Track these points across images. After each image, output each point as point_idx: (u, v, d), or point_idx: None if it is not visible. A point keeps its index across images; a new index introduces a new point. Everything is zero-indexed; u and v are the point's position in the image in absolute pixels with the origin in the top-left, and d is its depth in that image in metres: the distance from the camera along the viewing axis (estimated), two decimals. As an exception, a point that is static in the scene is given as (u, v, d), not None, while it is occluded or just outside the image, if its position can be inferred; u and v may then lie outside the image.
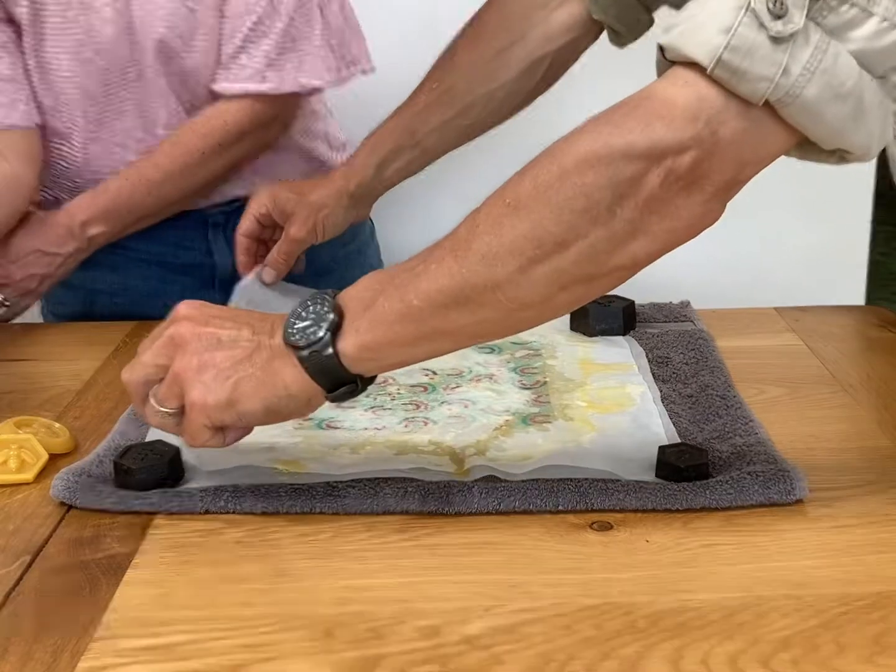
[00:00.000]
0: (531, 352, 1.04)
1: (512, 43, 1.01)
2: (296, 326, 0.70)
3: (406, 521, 0.74)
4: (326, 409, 0.91)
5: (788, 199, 1.93)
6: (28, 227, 1.19)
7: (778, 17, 0.59)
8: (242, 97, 1.20)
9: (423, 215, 1.89)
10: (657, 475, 0.79)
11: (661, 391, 0.93)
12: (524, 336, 1.08)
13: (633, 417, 0.89)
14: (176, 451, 0.79)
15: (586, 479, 0.77)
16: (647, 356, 1.01)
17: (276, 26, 1.17)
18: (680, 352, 1.02)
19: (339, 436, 0.87)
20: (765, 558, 0.70)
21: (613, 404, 0.91)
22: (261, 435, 0.85)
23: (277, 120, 1.25)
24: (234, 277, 1.26)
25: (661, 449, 0.79)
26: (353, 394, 0.72)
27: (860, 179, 1.95)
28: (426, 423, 0.88)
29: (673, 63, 0.64)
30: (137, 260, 1.29)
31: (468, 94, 1.03)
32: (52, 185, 1.27)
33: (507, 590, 0.66)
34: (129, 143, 1.21)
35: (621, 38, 1.01)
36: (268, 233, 1.09)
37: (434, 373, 0.99)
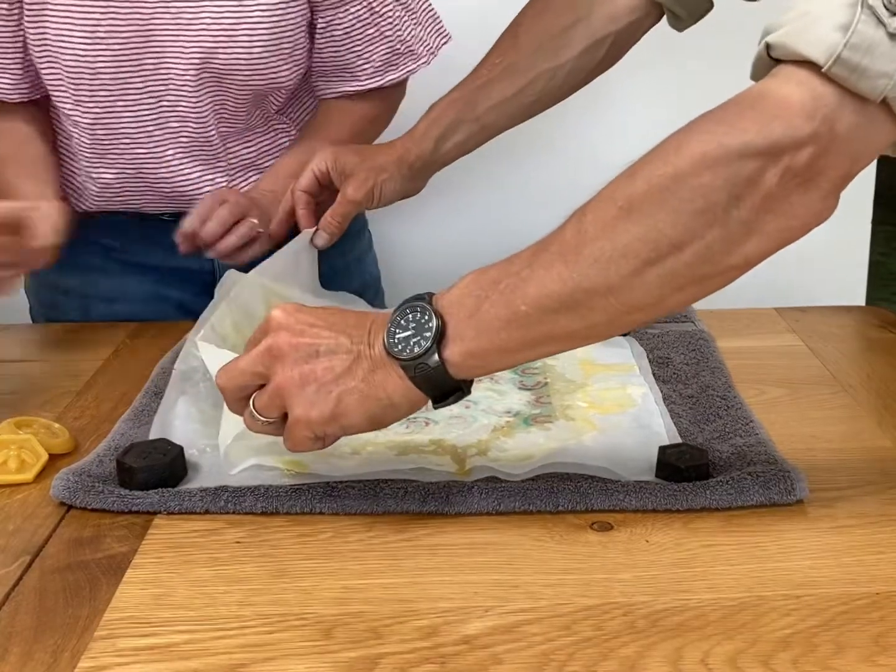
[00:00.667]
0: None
1: (576, 21, 1.03)
2: (397, 336, 0.68)
3: (406, 521, 0.75)
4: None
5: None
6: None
7: (894, 13, 0.59)
8: (371, 92, 1.24)
9: (419, 221, 1.89)
10: (657, 475, 0.79)
11: (661, 391, 0.93)
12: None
13: (634, 418, 0.89)
14: (179, 450, 0.79)
15: (586, 479, 0.77)
16: (647, 357, 1.01)
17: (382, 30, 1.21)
18: (680, 352, 1.02)
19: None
20: (765, 558, 0.70)
21: (614, 405, 0.91)
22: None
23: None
24: None
25: (662, 449, 0.79)
26: (459, 399, 0.71)
27: (860, 179, 1.95)
28: (427, 424, 0.88)
29: (777, 61, 0.63)
30: (134, 265, 1.28)
31: (530, 71, 1.04)
32: (67, 173, 1.25)
33: (507, 590, 0.66)
34: (138, 134, 1.19)
35: (681, 22, 1.03)
36: (325, 194, 1.09)
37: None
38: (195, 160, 1.22)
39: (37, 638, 0.62)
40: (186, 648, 0.61)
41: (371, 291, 1.41)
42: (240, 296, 0.94)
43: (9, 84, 1.16)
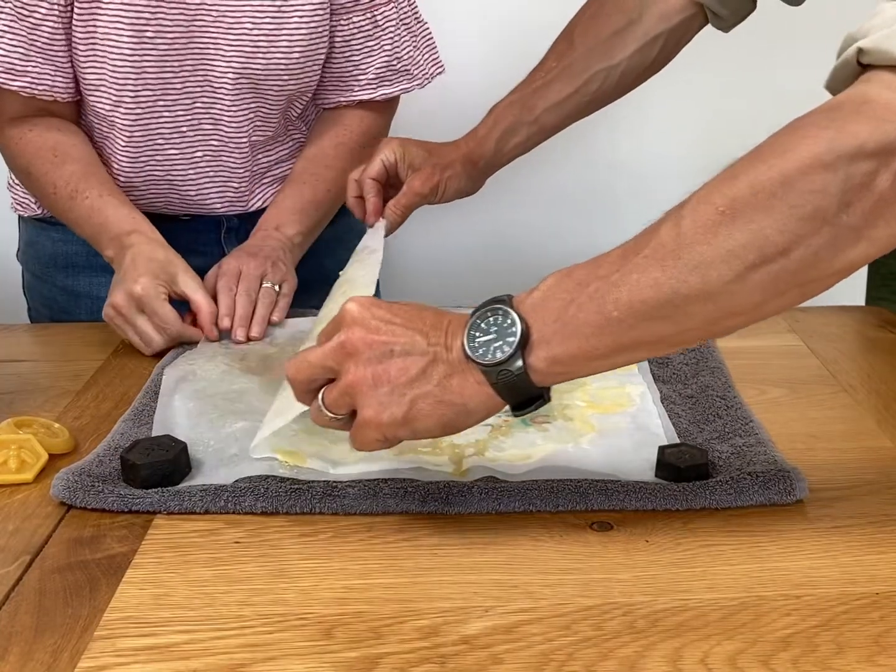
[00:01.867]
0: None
1: (628, 24, 1.05)
2: (478, 340, 0.66)
3: (406, 522, 0.74)
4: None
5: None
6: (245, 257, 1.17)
7: None
8: (376, 102, 1.27)
9: (421, 221, 1.89)
10: (657, 475, 0.79)
11: (661, 391, 0.93)
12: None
13: (633, 418, 0.89)
14: (183, 447, 0.79)
15: (586, 479, 0.77)
16: (647, 356, 1.01)
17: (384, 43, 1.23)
18: (680, 352, 1.02)
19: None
20: (765, 558, 0.70)
21: (613, 404, 0.91)
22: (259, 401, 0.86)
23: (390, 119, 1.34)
24: None
25: (661, 449, 0.79)
26: (540, 407, 0.68)
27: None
28: None
29: (865, 66, 0.63)
30: None
31: (585, 72, 1.07)
32: None
33: (506, 590, 0.66)
34: (172, 135, 1.19)
35: (723, 22, 1.05)
36: (387, 185, 1.10)
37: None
38: (221, 165, 1.23)
39: (37, 638, 0.62)
40: (186, 648, 0.61)
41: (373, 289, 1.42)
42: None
43: (63, 84, 1.15)
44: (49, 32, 1.10)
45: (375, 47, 1.22)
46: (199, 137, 1.20)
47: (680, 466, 0.77)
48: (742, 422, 0.87)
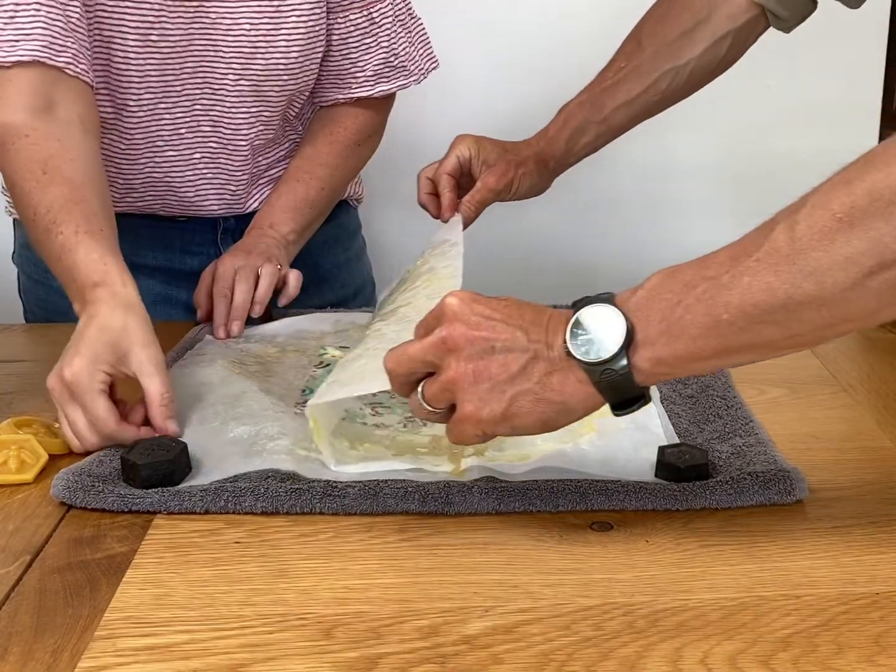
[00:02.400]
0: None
1: (696, 24, 1.07)
2: (580, 338, 0.65)
3: (406, 521, 0.75)
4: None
5: (790, 200, 1.93)
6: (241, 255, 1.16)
7: None
8: (373, 99, 1.27)
9: (416, 219, 1.89)
10: (657, 475, 0.79)
11: (661, 391, 0.93)
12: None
13: (633, 418, 0.88)
14: (183, 447, 0.79)
15: (586, 479, 0.77)
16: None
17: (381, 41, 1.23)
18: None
19: (340, 425, 0.87)
20: (764, 558, 0.70)
21: None
22: (262, 409, 0.86)
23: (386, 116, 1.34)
24: None
25: (661, 449, 0.79)
26: (641, 407, 0.68)
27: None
28: (425, 425, 0.88)
29: None
30: (142, 267, 1.27)
31: (654, 72, 1.09)
32: None
33: (506, 590, 0.66)
34: (172, 137, 1.19)
35: (784, 23, 1.07)
36: (461, 180, 1.11)
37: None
38: (219, 167, 1.23)
39: (37, 638, 0.62)
40: (186, 648, 0.61)
41: (368, 289, 1.42)
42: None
43: (87, 66, 1.06)
44: (78, 12, 1.05)
45: (373, 44, 1.23)
46: (199, 140, 1.20)
47: (680, 466, 0.77)
48: (742, 422, 0.87)
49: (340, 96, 1.26)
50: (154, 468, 0.77)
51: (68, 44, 1.02)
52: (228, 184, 1.25)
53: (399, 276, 1.09)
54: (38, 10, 1.01)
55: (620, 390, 0.66)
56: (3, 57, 0.99)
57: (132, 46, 1.10)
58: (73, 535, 0.74)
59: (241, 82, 1.17)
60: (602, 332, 0.65)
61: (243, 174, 1.25)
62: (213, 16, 1.12)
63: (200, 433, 0.86)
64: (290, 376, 0.99)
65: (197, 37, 1.13)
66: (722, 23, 1.07)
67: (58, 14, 1.01)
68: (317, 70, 1.21)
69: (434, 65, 1.30)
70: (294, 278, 1.16)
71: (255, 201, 1.29)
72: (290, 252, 1.21)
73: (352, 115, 1.27)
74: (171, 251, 1.29)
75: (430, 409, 0.70)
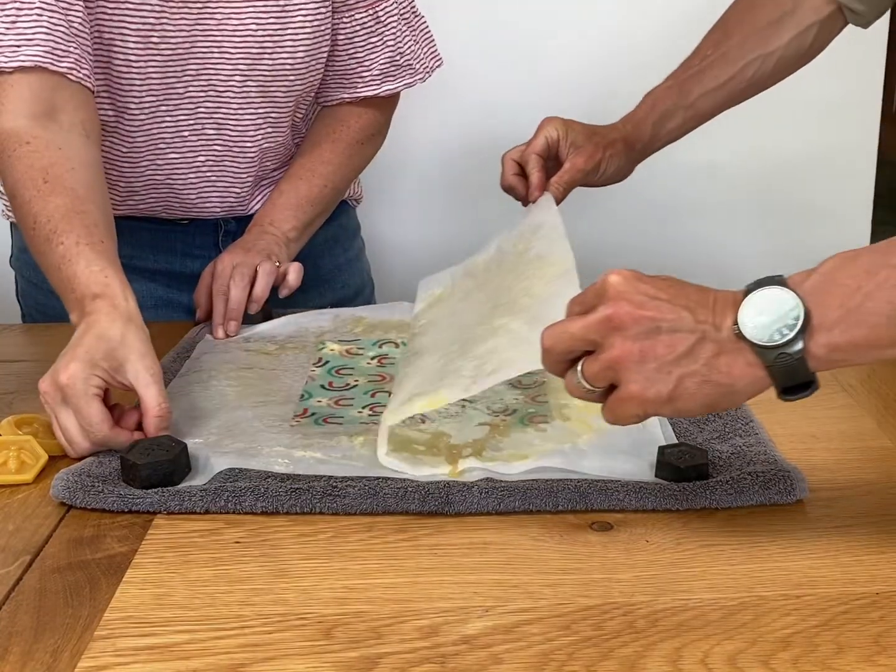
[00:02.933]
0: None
1: (782, 15, 1.10)
2: (753, 321, 0.64)
3: (406, 521, 0.75)
4: (325, 407, 0.92)
5: (790, 200, 1.93)
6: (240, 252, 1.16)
7: None
8: (378, 98, 1.27)
9: (415, 219, 1.90)
10: (657, 475, 0.79)
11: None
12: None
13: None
14: (183, 447, 0.79)
15: (586, 479, 0.77)
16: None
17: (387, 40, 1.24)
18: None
19: (337, 430, 0.87)
20: (764, 558, 0.70)
21: None
22: (258, 432, 0.85)
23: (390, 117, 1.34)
24: None
25: (661, 449, 0.79)
26: (811, 393, 0.66)
27: (860, 180, 1.96)
28: (423, 422, 0.88)
29: None
30: (143, 270, 1.27)
31: (741, 60, 1.11)
32: None
33: (506, 590, 0.66)
34: (174, 140, 1.18)
35: (861, 18, 1.09)
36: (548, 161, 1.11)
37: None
38: (224, 170, 1.23)
39: (37, 638, 0.62)
40: (186, 648, 0.61)
41: (367, 290, 1.43)
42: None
43: (89, 71, 1.05)
44: (81, 16, 1.04)
45: (378, 43, 1.23)
46: (202, 143, 1.20)
47: (680, 466, 0.77)
48: (742, 422, 0.87)
49: (346, 96, 1.26)
50: (154, 468, 0.77)
51: (70, 49, 1.01)
52: (233, 187, 1.25)
53: (470, 262, 1.09)
54: (41, 14, 1.00)
55: (793, 375, 0.64)
56: (5, 63, 0.99)
57: (133, 49, 1.09)
58: (73, 535, 0.74)
59: (248, 83, 1.16)
60: (776, 314, 0.64)
61: (248, 176, 1.25)
62: (218, 17, 1.11)
63: (199, 444, 0.85)
64: (288, 378, 0.99)
65: (200, 39, 1.12)
66: (807, 14, 1.09)
67: (60, 19, 1.01)
68: (322, 70, 1.21)
69: (438, 63, 1.30)
70: (294, 270, 1.15)
71: (258, 203, 1.29)
72: (291, 250, 1.21)
73: (356, 115, 1.27)
74: (173, 254, 1.28)
75: (588, 387, 0.68)
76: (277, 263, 1.15)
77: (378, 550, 0.71)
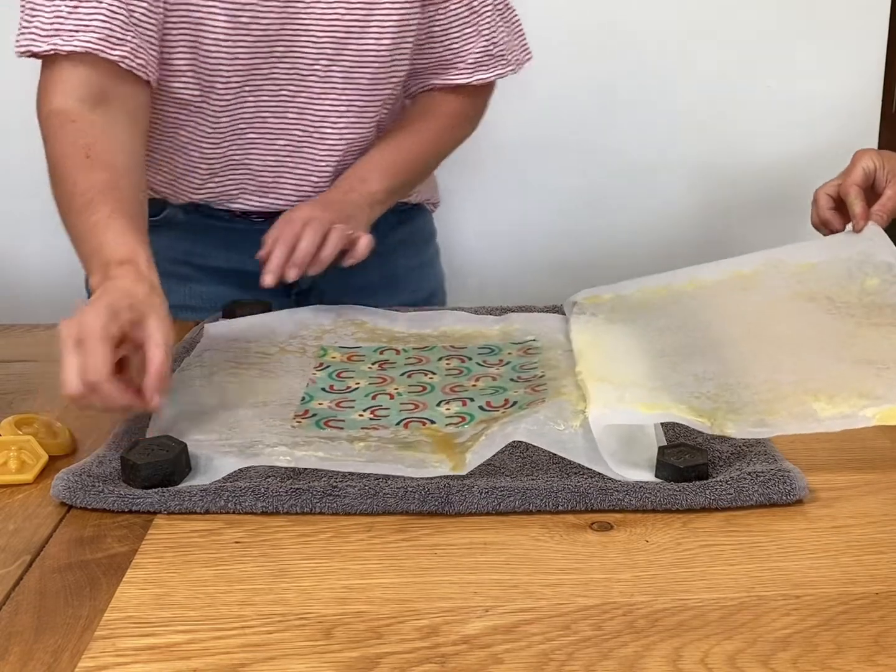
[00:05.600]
0: (531, 349, 1.04)
1: None
2: None
3: (406, 521, 0.75)
4: (326, 409, 0.92)
5: (790, 200, 1.93)
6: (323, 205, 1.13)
7: None
8: (471, 87, 1.26)
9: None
10: (657, 475, 0.79)
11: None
12: (524, 336, 1.08)
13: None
14: (183, 447, 0.79)
15: (586, 478, 0.77)
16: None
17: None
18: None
19: (338, 434, 0.87)
20: (765, 558, 0.70)
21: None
22: (259, 431, 0.85)
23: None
24: (312, 289, 1.26)
25: (661, 449, 0.79)
26: None
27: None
28: (425, 424, 0.88)
29: None
30: (215, 270, 1.27)
31: None
32: (166, 163, 1.21)
33: (506, 590, 0.66)
34: (254, 120, 1.17)
35: None
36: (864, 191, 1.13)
37: (433, 373, 0.99)
38: (302, 157, 1.21)
39: (37, 638, 0.62)
40: (186, 648, 0.61)
41: (438, 297, 1.42)
42: None
43: (153, 65, 1.07)
44: (146, 8, 1.04)
45: (473, 34, 1.22)
46: (283, 126, 1.18)
47: (680, 466, 0.78)
48: (742, 422, 0.87)
49: (438, 82, 1.25)
50: (154, 468, 0.77)
51: (128, 38, 1.03)
52: (310, 175, 1.22)
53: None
54: (101, 2, 1.02)
55: None
56: (61, 45, 1.01)
57: (222, 28, 1.08)
58: (73, 535, 0.74)
59: (333, 68, 1.15)
60: None
61: (327, 166, 1.22)
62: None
63: (199, 443, 0.85)
64: (289, 380, 0.99)
65: (290, 20, 1.11)
66: None
67: (120, 8, 1.03)
68: (407, 60, 1.19)
69: (528, 56, 1.28)
70: (365, 242, 1.11)
71: None
72: (375, 213, 1.18)
73: (448, 100, 1.26)
74: (245, 253, 1.25)
75: None
76: (350, 231, 1.10)
77: (378, 550, 0.71)
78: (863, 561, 0.69)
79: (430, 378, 0.98)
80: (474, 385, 0.96)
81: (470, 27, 1.22)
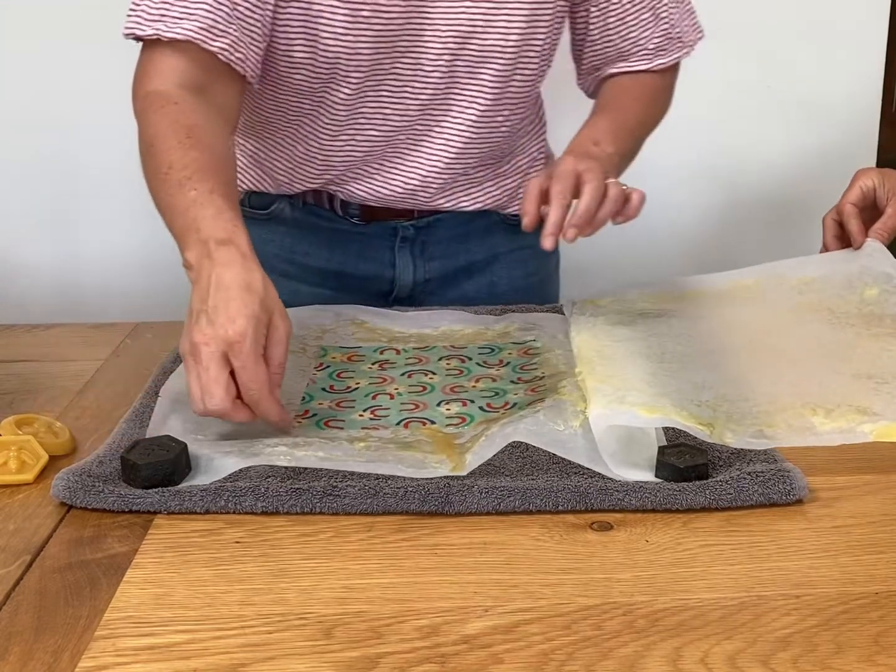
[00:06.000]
0: (531, 349, 1.04)
1: None
2: None
3: (406, 521, 0.75)
4: (326, 409, 0.92)
5: (790, 200, 1.93)
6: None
7: None
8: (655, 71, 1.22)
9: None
10: (657, 475, 0.79)
11: (660, 391, 0.93)
12: (524, 336, 1.08)
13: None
14: (183, 447, 0.80)
15: (586, 478, 0.77)
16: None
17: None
18: (680, 352, 1.02)
19: (339, 434, 0.87)
20: (764, 558, 0.70)
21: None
22: (259, 431, 0.85)
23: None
24: (413, 294, 1.26)
25: (661, 449, 0.79)
26: None
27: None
28: (425, 424, 0.88)
29: None
30: (315, 270, 1.27)
31: None
32: (287, 151, 1.21)
33: (506, 589, 0.66)
34: (375, 115, 1.15)
35: None
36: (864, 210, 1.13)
37: (433, 373, 1.00)
38: (420, 152, 1.19)
39: (37, 638, 0.62)
40: (186, 648, 0.61)
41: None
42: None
43: (253, 60, 1.06)
44: (251, 4, 1.04)
45: (651, 18, 1.19)
46: (405, 122, 1.16)
47: (680, 466, 0.78)
48: (742, 422, 0.87)
49: (614, 70, 1.21)
50: (154, 468, 0.77)
51: (230, 31, 1.03)
52: (421, 167, 1.20)
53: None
54: None
55: None
56: (164, 32, 1.01)
57: (341, 21, 1.07)
58: (73, 535, 0.74)
59: (457, 63, 1.12)
60: None
61: (439, 160, 1.20)
62: None
63: (199, 442, 0.85)
64: (289, 380, 0.99)
65: (415, 14, 1.09)
66: None
67: (225, 0, 1.02)
68: (536, 60, 1.16)
69: (700, 35, 1.24)
70: (638, 197, 0.98)
71: (444, 201, 1.24)
72: (613, 176, 1.07)
73: (641, 79, 1.22)
74: (347, 254, 1.27)
75: None
76: (625, 186, 0.99)
77: (378, 550, 0.71)
78: (863, 561, 0.69)
79: (431, 378, 0.98)
80: (474, 386, 0.96)
81: (647, 12, 1.18)
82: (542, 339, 1.07)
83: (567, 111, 1.26)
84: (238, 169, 1.24)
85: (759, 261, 1.16)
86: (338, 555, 0.71)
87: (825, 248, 1.16)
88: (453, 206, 1.24)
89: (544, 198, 0.96)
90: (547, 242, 0.93)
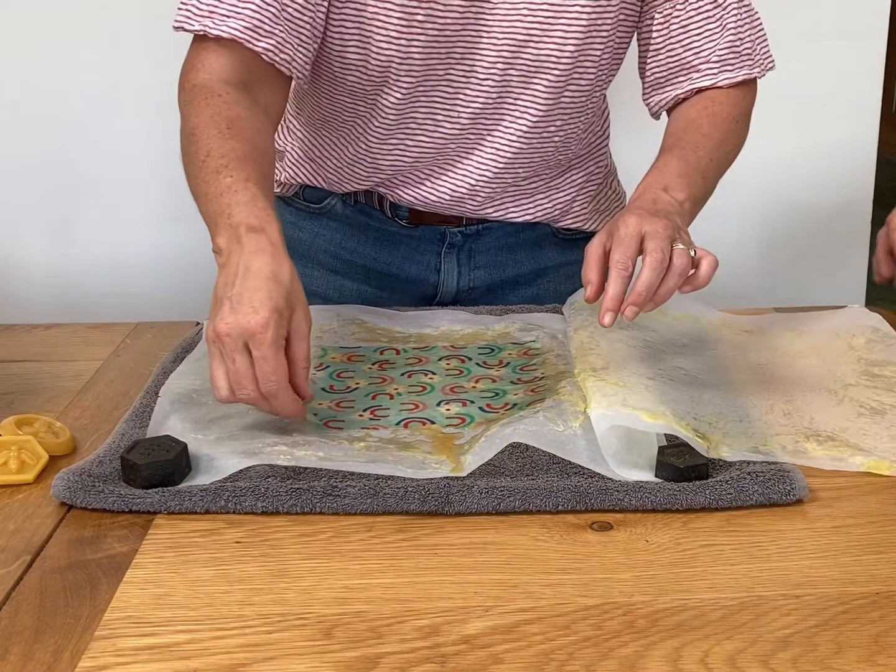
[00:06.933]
0: (531, 350, 1.04)
1: None
2: None
3: (406, 521, 0.75)
4: (326, 410, 0.92)
5: (790, 200, 1.93)
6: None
7: None
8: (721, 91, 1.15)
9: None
10: (657, 475, 0.79)
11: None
12: (524, 336, 1.08)
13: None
14: (183, 447, 0.80)
15: (586, 478, 0.77)
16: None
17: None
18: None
19: (338, 434, 0.87)
20: (764, 558, 0.70)
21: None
22: (259, 430, 0.85)
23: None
24: (457, 300, 1.26)
25: (661, 449, 0.79)
26: None
27: (860, 180, 1.96)
28: (425, 424, 0.88)
29: None
30: (360, 267, 1.26)
31: None
32: (339, 151, 1.21)
33: (506, 590, 0.66)
34: (426, 121, 1.14)
35: None
36: None
37: (433, 373, 1.00)
38: (470, 161, 1.18)
39: (37, 638, 0.62)
40: (186, 648, 0.61)
41: None
42: None
43: (300, 62, 1.05)
44: (300, 5, 1.03)
45: (717, 28, 1.13)
46: (456, 130, 1.15)
47: (680, 466, 0.78)
48: (742, 422, 0.87)
49: (680, 92, 1.15)
50: (154, 468, 0.77)
51: (276, 31, 1.02)
52: (470, 176, 1.18)
53: None
54: None
55: None
56: (211, 28, 1.01)
57: (395, 25, 1.06)
58: (73, 535, 0.74)
59: (510, 72, 1.10)
60: None
61: (487, 170, 1.18)
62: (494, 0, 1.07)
63: (199, 442, 0.85)
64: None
65: (472, 21, 1.07)
66: None
67: (274, 1, 1.02)
68: (594, 70, 1.13)
69: (772, 65, 1.18)
70: (708, 265, 0.91)
71: (493, 210, 1.22)
72: (686, 224, 1.01)
73: (719, 94, 1.15)
74: (394, 255, 1.26)
75: None
76: (693, 252, 0.91)
77: (378, 550, 0.71)
78: (862, 561, 0.69)
79: (430, 378, 0.98)
80: (474, 386, 0.96)
81: (713, 22, 1.13)
82: (542, 339, 1.07)
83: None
84: (294, 162, 1.26)
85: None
86: (338, 555, 0.71)
87: (879, 280, 1.14)
88: (501, 216, 1.23)
89: (606, 259, 0.91)
90: (606, 319, 0.87)
